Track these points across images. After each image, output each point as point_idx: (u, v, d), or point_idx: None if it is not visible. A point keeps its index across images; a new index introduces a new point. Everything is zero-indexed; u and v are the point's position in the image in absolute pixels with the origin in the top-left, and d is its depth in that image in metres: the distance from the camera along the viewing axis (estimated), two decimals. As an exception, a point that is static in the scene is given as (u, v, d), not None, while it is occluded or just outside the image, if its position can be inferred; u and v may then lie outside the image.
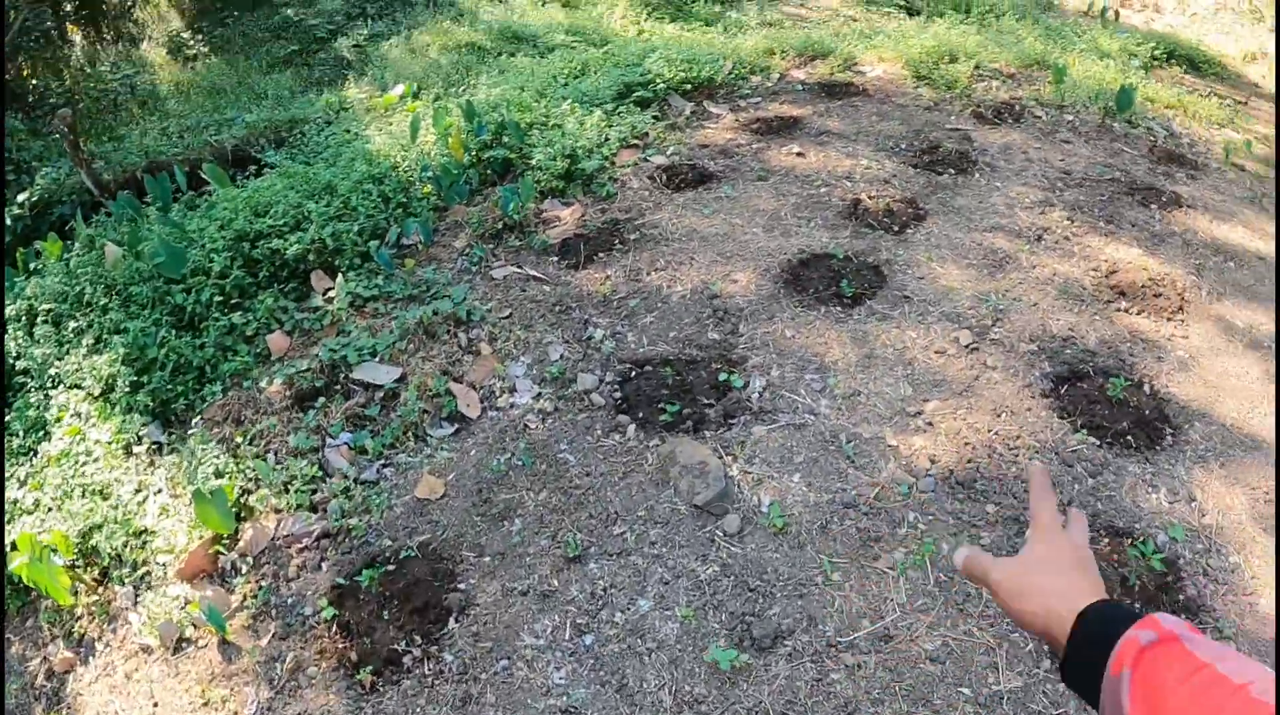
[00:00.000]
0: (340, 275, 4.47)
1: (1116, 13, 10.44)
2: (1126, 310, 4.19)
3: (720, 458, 3.30)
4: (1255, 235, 5.17)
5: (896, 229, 4.64)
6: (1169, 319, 4.19)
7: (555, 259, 4.66)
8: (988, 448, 3.36)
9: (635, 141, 5.83)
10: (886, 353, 3.81)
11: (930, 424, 3.46)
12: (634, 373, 3.78)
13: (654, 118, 6.16)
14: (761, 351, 3.84)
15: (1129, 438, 3.45)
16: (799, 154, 5.53)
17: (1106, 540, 3.04)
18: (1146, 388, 3.74)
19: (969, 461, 3.30)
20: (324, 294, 4.38)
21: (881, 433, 3.43)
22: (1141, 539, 3.04)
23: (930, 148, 5.63)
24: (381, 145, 6.05)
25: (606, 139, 5.67)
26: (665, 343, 3.94)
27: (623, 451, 3.43)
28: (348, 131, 7.12)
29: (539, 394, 3.70)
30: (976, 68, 7.25)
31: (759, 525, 3.10)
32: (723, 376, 3.67)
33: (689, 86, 6.71)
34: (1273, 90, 9.88)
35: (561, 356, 3.90)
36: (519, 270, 4.54)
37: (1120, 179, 5.43)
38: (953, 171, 5.33)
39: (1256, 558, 3.10)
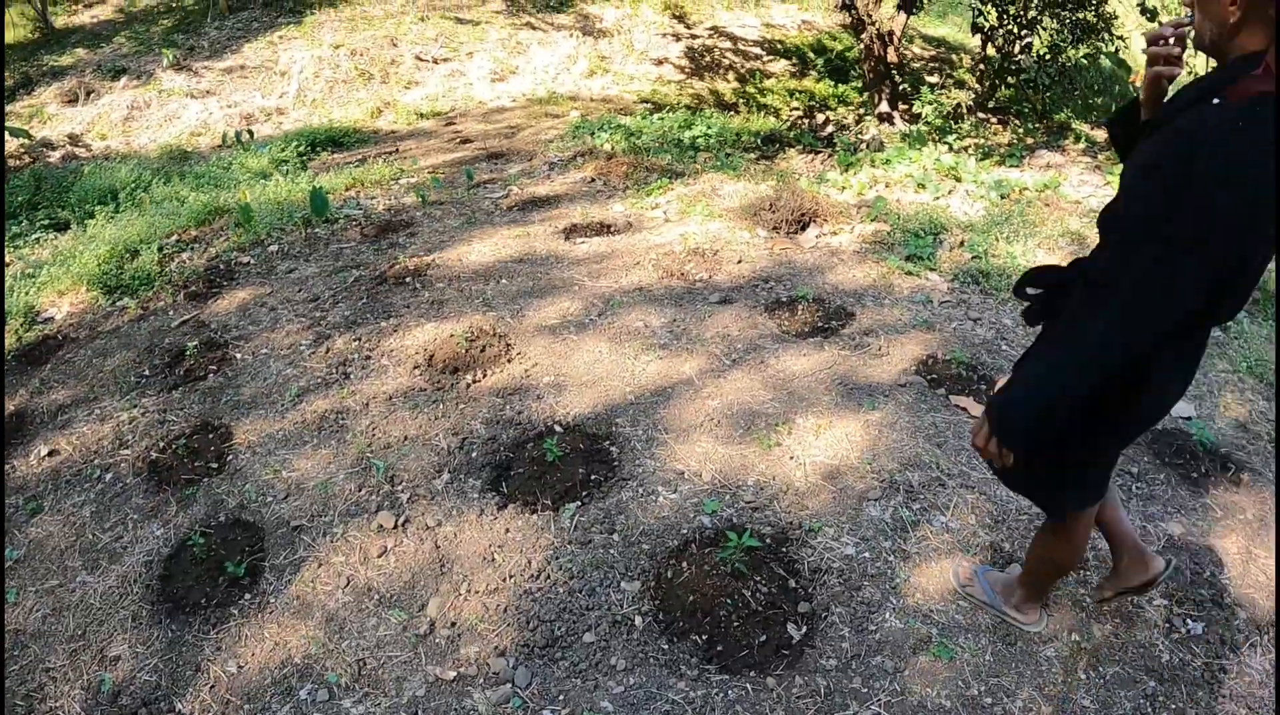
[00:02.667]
0: None
1: (250, 133, 10.63)
2: (475, 381, 4.14)
3: None
4: (488, 246, 5.56)
5: (215, 467, 4.01)
6: (509, 361, 4.25)
7: None
8: (529, 598, 3.02)
9: None
10: (336, 597, 3.17)
11: (454, 624, 2.99)
12: None
13: None
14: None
15: (592, 486, 3.40)
16: (51, 453, 4.53)
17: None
18: (556, 422, 3.74)
19: (535, 624, 2.94)
20: None
21: (441, 674, 2.84)
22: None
23: (174, 357, 5.01)
24: None
25: None
26: None
27: None
28: None
29: None
30: (160, 250, 6.74)
31: None
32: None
33: None
34: (390, 129, 10.99)
35: None
36: None
37: (364, 274, 5.42)
38: (214, 368, 4.82)
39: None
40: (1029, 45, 8.93)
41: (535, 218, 6.15)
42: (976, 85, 9.25)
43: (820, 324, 4.45)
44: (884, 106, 9.08)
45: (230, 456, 4.02)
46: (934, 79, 11.25)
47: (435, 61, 13.02)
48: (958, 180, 6.44)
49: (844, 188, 6.39)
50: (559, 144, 8.17)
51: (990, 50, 9.37)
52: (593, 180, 6.93)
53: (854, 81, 12.02)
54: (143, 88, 12.73)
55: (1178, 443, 3.82)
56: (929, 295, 4.79)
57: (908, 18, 9.17)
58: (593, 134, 8.17)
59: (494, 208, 6.49)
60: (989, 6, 8.84)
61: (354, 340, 4.65)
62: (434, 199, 6.81)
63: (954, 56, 13.53)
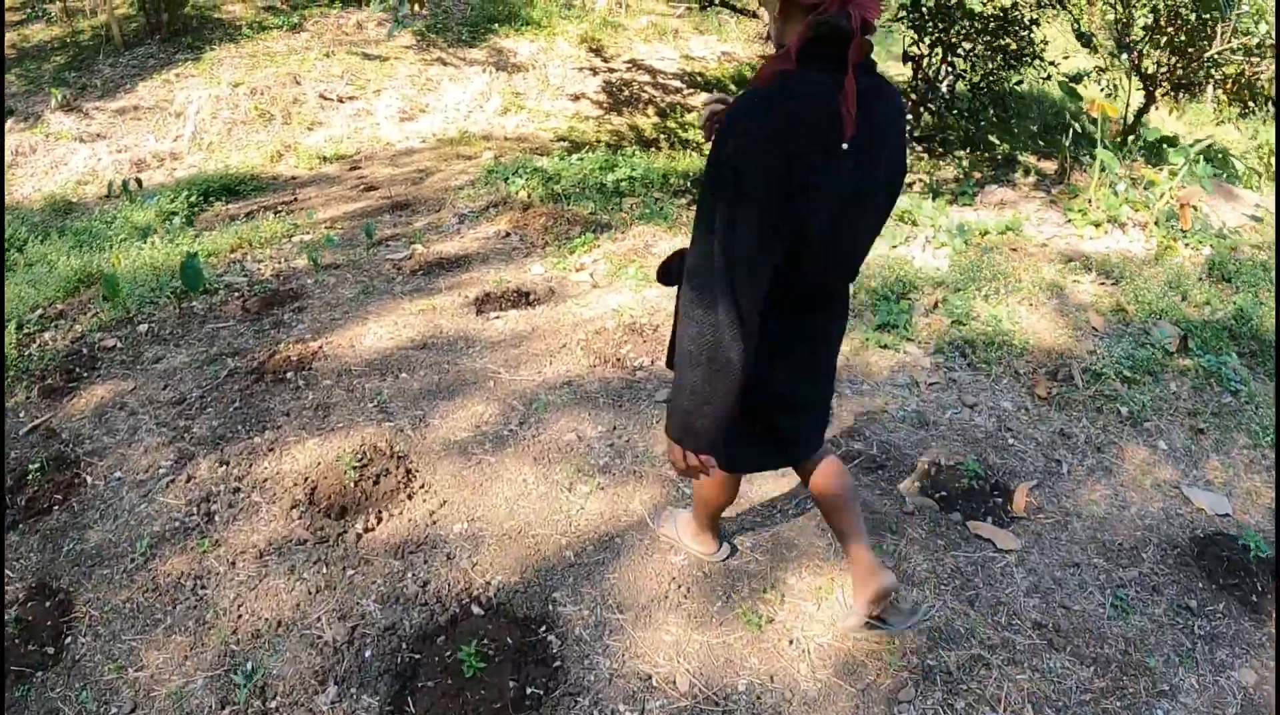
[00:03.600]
0: None
1: (138, 181, 9.33)
2: (368, 530, 3.05)
3: None
4: (386, 325, 4.47)
5: (51, 654, 2.80)
6: (410, 496, 3.17)
7: None
8: None
9: None
10: None
11: None
12: None
13: None
14: None
15: (528, 707, 2.34)
16: None
17: None
18: (474, 598, 2.67)
19: None
20: None
21: None
22: None
23: (18, 481, 3.79)
24: None
25: None
26: None
27: None
28: None
29: None
30: (20, 328, 5.49)
31: None
32: None
33: None
34: (290, 175, 9.77)
35: None
36: None
37: (240, 366, 4.29)
38: (60, 497, 3.64)
39: None
40: (961, 74, 8.19)
41: (442, 284, 5.07)
42: (910, 116, 8.47)
43: (795, 425, 3.49)
44: (813, 139, 8.17)
45: (69, 639, 2.88)
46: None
47: (340, 100, 11.79)
48: (914, 224, 5.57)
49: (790, 237, 5.47)
50: (470, 191, 7.09)
51: (919, 79, 8.60)
52: (507, 235, 5.88)
53: (775, 112, 11.16)
54: (29, 130, 11.25)
55: (1227, 556, 3.06)
56: (912, 375, 3.88)
57: (836, 47, 8.33)
58: (506, 179, 7.11)
59: (395, 272, 5.39)
60: (922, 35, 8.06)
61: (220, 464, 3.53)
62: (328, 261, 5.68)
63: (874, 84, 12.81)
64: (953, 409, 3.66)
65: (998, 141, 9.08)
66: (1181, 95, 10.71)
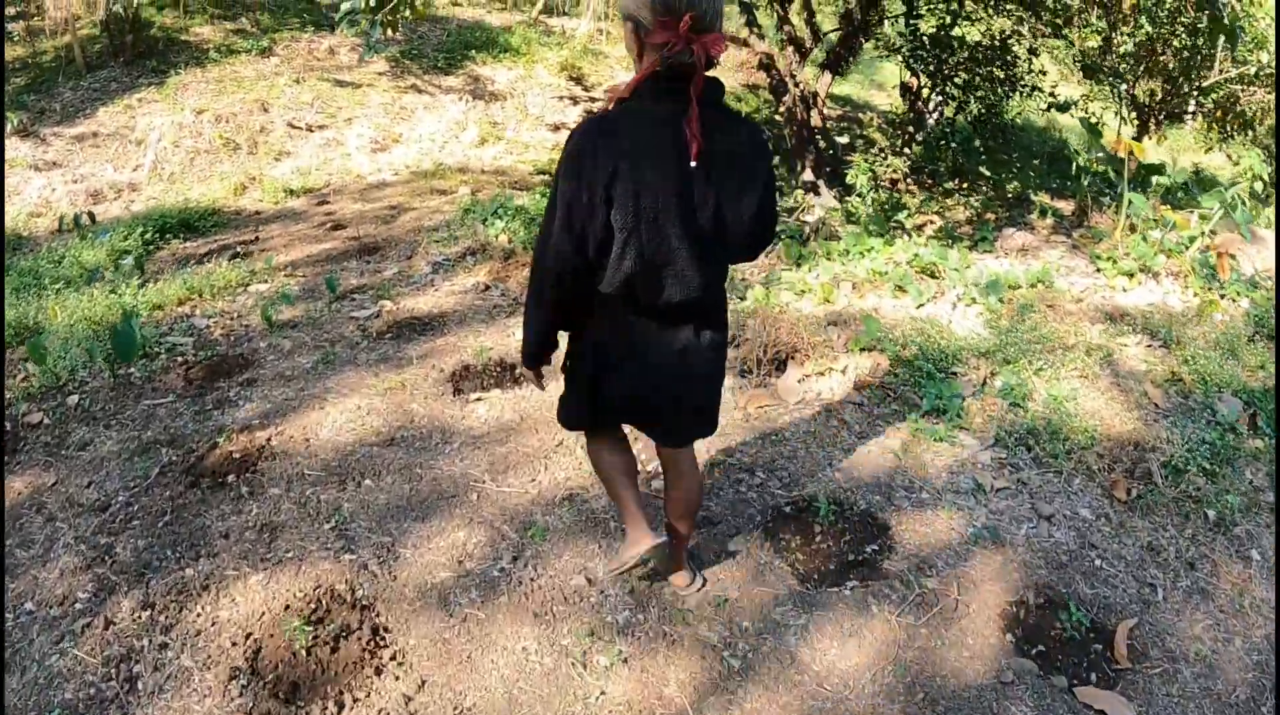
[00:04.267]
0: None
1: (91, 215, 8.51)
2: (340, 709, 2.29)
3: None
4: (347, 410, 3.70)
5: None
6: (379, 670, 2.40)
7: None
8: None
9: None
10: None
11: None
12: None
13: None
14: None
15: None
16: None
17: None
18: None
19: None
20: None
21: None
22: None
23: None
24: None
25: None
26: None
27: None
28: None
29: None
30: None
31: None
32: None
33: None
34: (254, 209, 8.95)
35: None
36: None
37: (175, 460, 3.51)
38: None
39: None
40: (962, 104, 7.58)
41: (413, 353, 4.32)
42: (907, 149, 7.82)
43: (850, 554, 2.78)
44: (808, 174, 7.56)
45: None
46: (844, 139, 9.84)
47: (310, 129, 10.97)
48: (937, 278, 4.90)
49: (803, 291, 4.77)
50: (445, 234, 6.34)
51: (910, 111, 7.99)
52: (487, 289, 5.14)
53: (761, 142, 10.46)
54: (-19, 158, 10.30)
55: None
56: (975, 477, 3.19)
57: (833, 79, 7.71)
58: (485, 220, 6.37)
59: (360, 335, 4.62)
60: (918, 65, 7.43)
61: (145, 607, 2.75)
62: (285, 318, 4.91)
63: (861, 115, 12.19)
64: (1028, 522, 2.98)
65: (989, 173, 8.49)
66: (1165, 122, 10.25)
